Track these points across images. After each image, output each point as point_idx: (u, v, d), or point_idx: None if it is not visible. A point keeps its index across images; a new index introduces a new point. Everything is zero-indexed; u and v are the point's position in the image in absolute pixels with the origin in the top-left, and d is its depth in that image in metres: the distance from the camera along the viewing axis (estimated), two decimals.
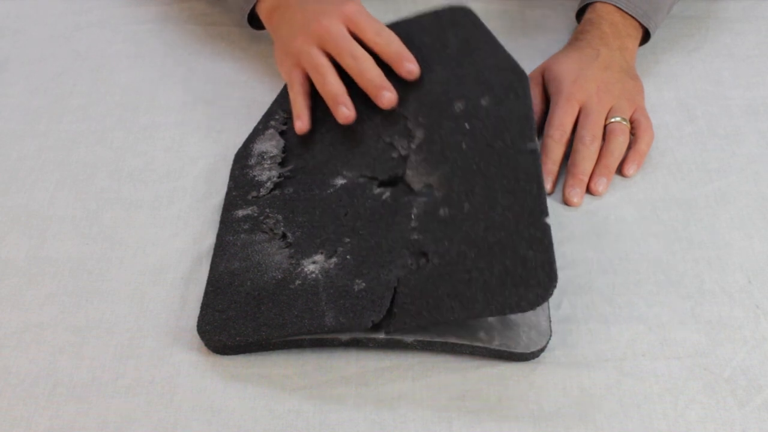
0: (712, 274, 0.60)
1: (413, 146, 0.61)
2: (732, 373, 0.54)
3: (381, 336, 0.54)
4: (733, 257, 0.61)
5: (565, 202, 0.64)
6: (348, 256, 0.57)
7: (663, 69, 0.77)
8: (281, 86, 0.73)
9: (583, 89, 0.68)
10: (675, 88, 0.75)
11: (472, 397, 0.53)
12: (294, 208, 0.61)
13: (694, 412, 0.52)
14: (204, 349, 0.56)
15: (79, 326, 0.58)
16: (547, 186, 0.65)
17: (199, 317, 0.56)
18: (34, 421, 0.53)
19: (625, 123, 0.67)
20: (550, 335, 0.55)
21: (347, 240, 0.58)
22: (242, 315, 0.55)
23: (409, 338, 0.54)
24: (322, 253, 0.58)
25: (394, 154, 0.62)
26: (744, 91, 0.74)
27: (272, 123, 0.68)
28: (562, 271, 0.60)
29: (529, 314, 0.55)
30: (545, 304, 0.56)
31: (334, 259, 0.57)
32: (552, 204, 0.65)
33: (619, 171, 0.67)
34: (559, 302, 0.58)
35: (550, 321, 0.55)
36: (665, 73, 0.76)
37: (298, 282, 0.56)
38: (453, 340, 0.54)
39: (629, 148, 0.67)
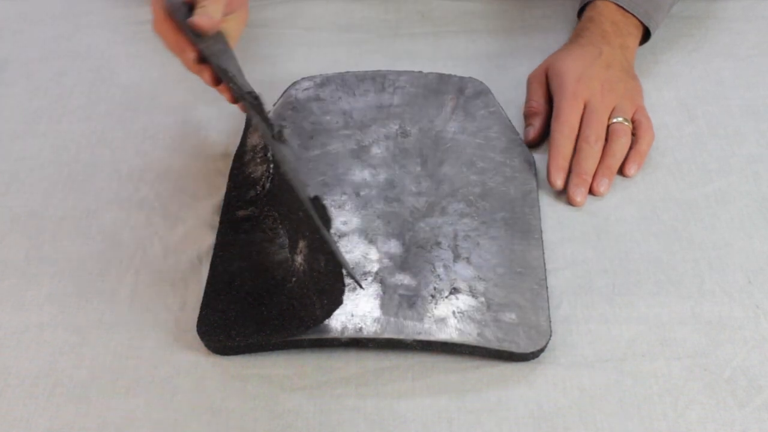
0: (713, 274, 0.60)
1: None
2: (732, 373, 0.54)
3: (382, 336, 0.54)
4: (734, 257, 0.61)
5: (569, 201, 0.64)
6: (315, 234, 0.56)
7: (663, 69, 0.77)
8: (281, 87, 0.74)
9: (587, 87, 0.68)
10: (675, 88, 0.75)
11: (471, 397, 0.53)
12: (281, 199, 0.61)
13: (694, 413, 0.52)
14: (204, 349, 0.56)
15: (79, 326, 0.58)
16: (558, 182, 0.65)
17: (198, 317, 0.56)
18: (34, 422, 0.53)
19: (627, 124, 0.67)
20: (550, 335, 0.55)
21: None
22: (242, 315, 0.55)
23: (408, 338, 0.54)
24: (304, 239, 0.57)
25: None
26: (744, 91, 0.74)
27: None
28: (562, 271, 0.60)
29: (529, 314, 0.55)
30: (545, 305, 0.56)
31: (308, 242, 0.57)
32: (552, 204, 0.65)
33: (620, 171, 0.67)
34: (559, 302, 0.58)
35: (549, 321, 0.55)
36: (665, 73, 0.76)
37: (294, 279, 0.56)
38: (453, 339, 0.54)
39: (630, 148, 0.67)
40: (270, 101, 0.72)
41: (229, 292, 0.57)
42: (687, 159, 0.68)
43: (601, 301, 0.58)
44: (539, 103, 0.70)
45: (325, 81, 0.74)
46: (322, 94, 0.72)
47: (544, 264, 0.59)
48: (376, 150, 0.67)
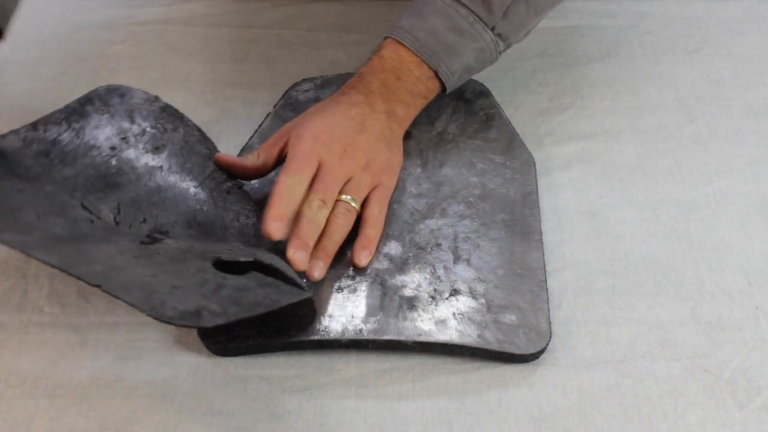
0: (712, 275, 0.60)
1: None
2: (732, 374, 0.54)
3: (382, 338, 0.54)
4: (733, 258, 0.61)
5: (289, 262, 0.55)
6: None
7: (663, 69, 0.77)
8: (282, 88, 0.74)
9: (326, 147, 0.59)
10: (675, 88, 0.75)
11: (471, 398, 0.53)
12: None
13: (693, 414, 0.52)
14: (204, 350, 0.56)
15: (79, 327, 0.58)
16: (274, 232, 0.55)
17: None
18: (34, 423, 0.53)
19: (353, 204, 0.59)
20: (550, 337, 0.55)
21: None
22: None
23: (408, 340, 0.54)
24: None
25: None
26: (744, 92, 0.74)
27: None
28: (562, 272, 0.60)
29: (529, 316, 0.55)
30: (545, 306, 0.56)
31: None
32: (552, 205, 0.65)
33: (352, 259, 0.59)
34: (559, 303, 0.58)
35: (550, 322, 0.55)
36: (665, 73, 0.76)
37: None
38: (453, 341, 0.54)
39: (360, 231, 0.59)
40: (271, 102, 0.72)
41: None
42: (687, 160, 0.68)
43: (600, 303, 0.58)
44: (265, 151, 0.62)
45: (325, 82, 0.74)
46: (322, 96, 0.72)
47: (544, 265, 0.59)
48: None
